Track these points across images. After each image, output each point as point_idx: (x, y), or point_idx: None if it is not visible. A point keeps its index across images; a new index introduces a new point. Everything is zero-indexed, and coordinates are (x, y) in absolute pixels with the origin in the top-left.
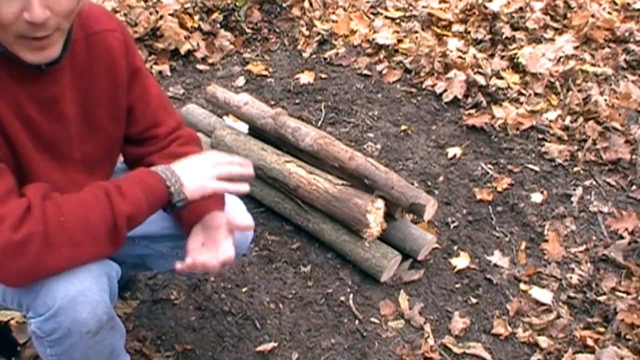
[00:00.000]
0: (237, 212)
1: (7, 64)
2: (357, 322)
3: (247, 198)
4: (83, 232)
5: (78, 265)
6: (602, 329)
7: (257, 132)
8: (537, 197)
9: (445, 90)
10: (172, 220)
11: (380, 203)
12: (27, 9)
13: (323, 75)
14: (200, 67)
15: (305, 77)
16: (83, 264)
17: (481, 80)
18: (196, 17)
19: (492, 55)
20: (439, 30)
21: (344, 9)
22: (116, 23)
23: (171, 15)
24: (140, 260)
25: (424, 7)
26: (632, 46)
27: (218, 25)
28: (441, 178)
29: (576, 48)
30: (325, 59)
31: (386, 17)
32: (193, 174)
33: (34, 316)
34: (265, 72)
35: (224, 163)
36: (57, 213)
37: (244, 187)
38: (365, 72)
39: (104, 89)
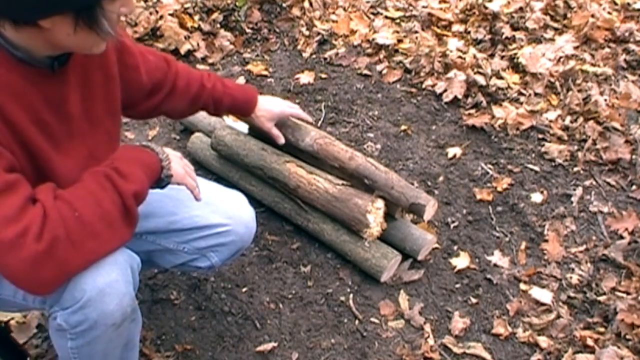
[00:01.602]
0: (238, 204)
1: (21, 68)
2: (357, 322)
3: (247, 198)
4: (99, 221)
5: (103, 256)
6: (602, 329)
7: (257, 132)
8: (537, 197)
9: (445, 90)
10: (178, 215)
11: (380, 203)
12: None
13: (323, 75)
14: (200, 67)
15: (305, 77)
16: (108, 254)
17: (481, 80)
18: (196, 17)
19: (492, 55)
20: (439, 30)
21: (344, 9)
22: None
23: (171, 15)
24: (147, 257)
25: (424, 7)
26: (632, 46)
27: (218, 25)
28: (441, 178)
29: (576, 48)
30: (325, 59)
31: (386, 17)
32: (178, 161)
33: (59, 309)
34: (265, 72)
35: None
36: (71, 209)
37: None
38: (365, 72)
39: (99, 84)
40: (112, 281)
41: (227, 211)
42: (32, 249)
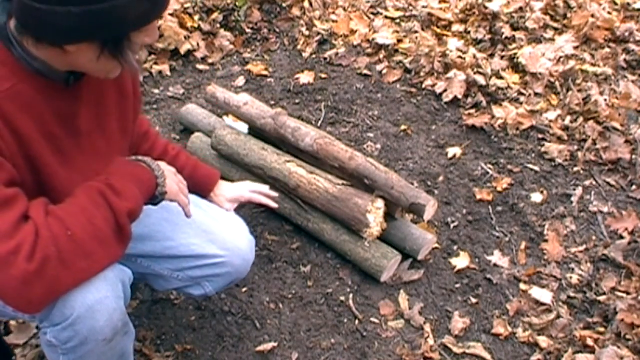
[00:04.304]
0: (237, 234)
1: (34, 80)
2: (357, 322)
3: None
4: (92, 240)
5: (94, 274)
6: (602, 329)
7: (257, 132)
8: (537, 197)
9: (445, 90)
10: (175, 241)
11: (380, 203)
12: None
13: (323, 75)
14: (200, 67)
15: (305, 77)
16: (98, 272)
17: (481, 80)
18: (196, 17)
19: (492, 55)
20: (439, 30)
21: (344, 9)
22: None
23: (171, 15)
24: (140, 277)
25: (424, 7)
26: (632, 46)
27: (218, 25)
28: (441, 178)
29: (576, 48)
30: (325, 59)
31: (386, 17)
32: (173, 177)
33: (49, 326)
34: (265, 72)
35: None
36: (63, 228)
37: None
38: (365, 72)
39: (114, 102)
40: (102, 298)
41: (225, 241)
42: (23, 268)
